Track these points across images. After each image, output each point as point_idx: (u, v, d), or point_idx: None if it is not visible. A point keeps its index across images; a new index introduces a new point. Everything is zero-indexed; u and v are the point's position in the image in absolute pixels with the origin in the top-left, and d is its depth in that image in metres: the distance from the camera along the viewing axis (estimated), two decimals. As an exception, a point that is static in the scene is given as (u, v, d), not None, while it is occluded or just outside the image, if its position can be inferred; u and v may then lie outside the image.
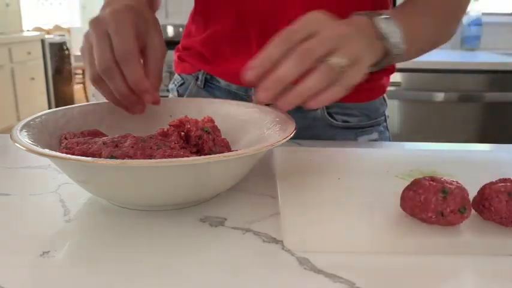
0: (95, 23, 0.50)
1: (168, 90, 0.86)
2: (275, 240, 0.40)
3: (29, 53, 3.90)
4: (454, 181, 0.40)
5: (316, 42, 0.44)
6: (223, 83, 0.75)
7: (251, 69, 0.45)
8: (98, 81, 0.51)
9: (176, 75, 0.83)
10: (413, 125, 2.15)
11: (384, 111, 0.79)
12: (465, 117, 2.12)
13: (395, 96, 2.07)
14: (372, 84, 0.75)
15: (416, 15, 0.60)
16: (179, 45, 0.82)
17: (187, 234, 0.41)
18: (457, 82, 2.06)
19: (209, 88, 0.77)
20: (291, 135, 0.46)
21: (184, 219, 0.44)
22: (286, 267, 0.36)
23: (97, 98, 2.12)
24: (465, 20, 2.52)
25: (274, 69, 0.44)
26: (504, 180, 0.41)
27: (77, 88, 4.76)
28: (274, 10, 0.67)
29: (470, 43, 2.52)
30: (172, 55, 0.83)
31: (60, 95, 4.44)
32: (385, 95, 0.80)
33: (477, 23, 2.49)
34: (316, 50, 0.44)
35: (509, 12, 2.63)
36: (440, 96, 2.05)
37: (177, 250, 0.39)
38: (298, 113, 0.73)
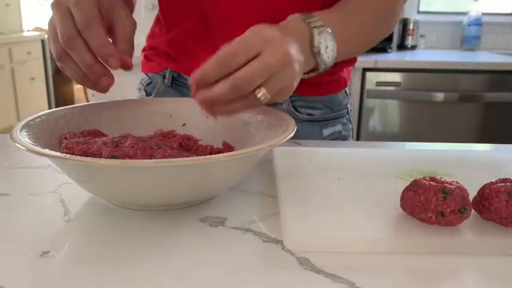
0: (56, 4, 0.51)
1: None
2: (275, 240, 0.40)
3: (29, 53, 3.90)
4: (454, 181, 0.40)
5: (252, 73, 0.44)
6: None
7: (191, 84, 0.46)
8: (63, 57, 0.51)
9: (143, 75, 0.83)
10: (414, 125, 2.15)
11: (346, 104, 0.81)
12: (465, 117, 2.12)
13: (395, 96, 2.07)
14: (332, 78, 0.77)
15: (350, 17, 0.60)
16: (145, 45, 0.83)
17: (187, 234, 0.41)
18: (457, 82, 2.06)
19: (176, 86, 0.78)
20: (291, 135, 0.46)
21: (184, 219, 0.44)
22: (286, 267, 0.36)
23: (97, 98, 2.12)
24: (465, 20, 2.53)
25: (210, 87, 0.45)
26: (504, 180, 0.41)
27: (77, 88, 4.76)
28: (234, 8, 0.68)
29: (470, 43, 2.52)
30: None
31: (60, 94, 4.44)
32: (346, 89, 0.82)
33: (477, 23, 2.49)
34: (250, 83, 0.44)
35: (509, 12, 2.63)
36: (440, 96, 2.05)
37: (177, 250, 0.39)
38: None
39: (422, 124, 2.14)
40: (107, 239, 0.40)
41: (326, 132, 0.78)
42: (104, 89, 0.53)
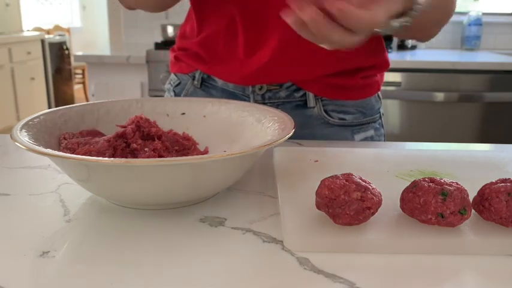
0: None
1: (164, 91, 0.86)
2: (275, 240, 0.40)
3: (29, 53, 3.90)
4: (453, 182, 0.40)
5: (359, 22, 0.42)
6: (220, 82, 0.75)
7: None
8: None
9: (172, 75, 0.83)
10: (413, 125, 2.15)
11: (379, 108, 0.79)
12: (465, 117, 2.12)
13: (395, 96, 2.07)
14: (366, 82, 0.75)
15: None
16: (174, 46, 0.82)
17: (187, 234, 0.41)
18: (457, 82, 2.06)
19: (206, 87, 0.77)
20: (290, 134, 0.46)
21: (184, 219, 0.44)
22: (286, 267, 0.36)
23: (97, 97, 2.12)
24: (465, 19, 2.53)
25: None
26: (504, 180, 0.41)
27: (77, 88, 4.76)
28: (263, 10, 0.67)
29: (470, 43, 2.52)
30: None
31: (60, 94, 4.44)
32: (379, 93, 0.80)
33: (477, 23, 2.49)
34: (361, 27, 0.43)
35: (509, 12, 2.63)
36: (440, 96, 2.05)
37: (177, 250, 0.39)
38: (295, 110, 0.73)
39: (422, 124, 2.14)
40: (107, 239, 0.40)
41: (358, 137, 0.76)
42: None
